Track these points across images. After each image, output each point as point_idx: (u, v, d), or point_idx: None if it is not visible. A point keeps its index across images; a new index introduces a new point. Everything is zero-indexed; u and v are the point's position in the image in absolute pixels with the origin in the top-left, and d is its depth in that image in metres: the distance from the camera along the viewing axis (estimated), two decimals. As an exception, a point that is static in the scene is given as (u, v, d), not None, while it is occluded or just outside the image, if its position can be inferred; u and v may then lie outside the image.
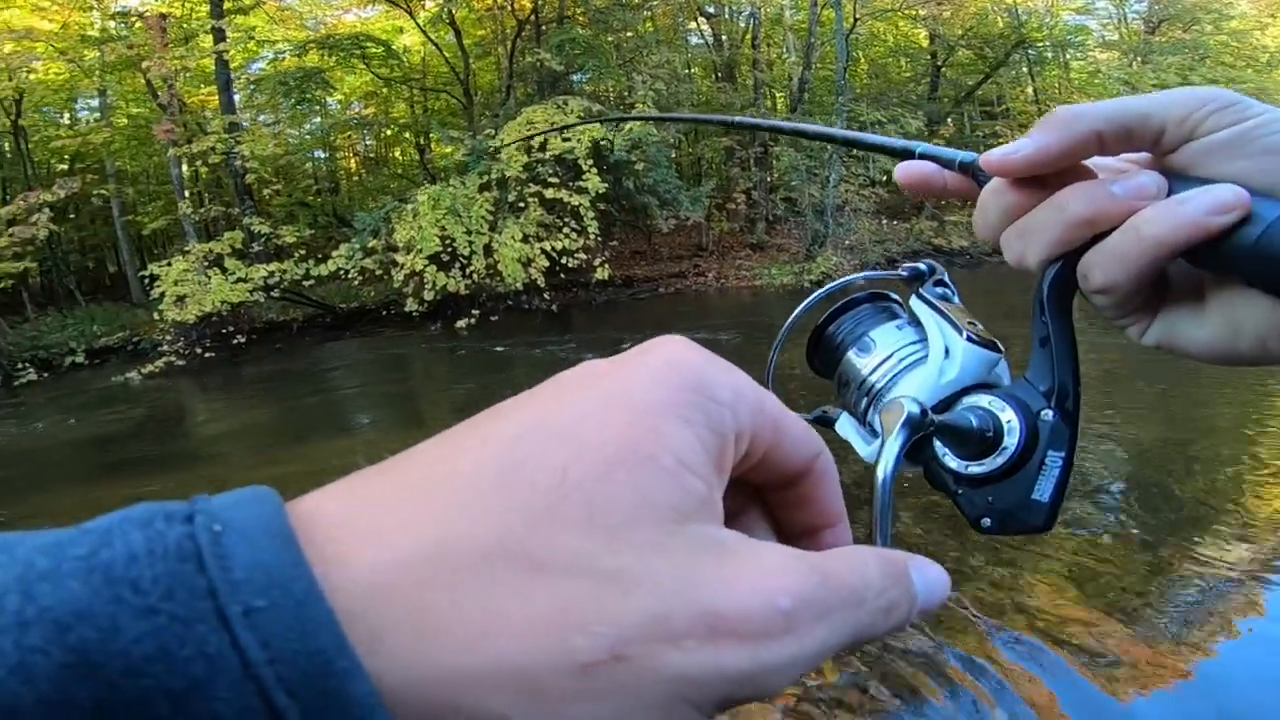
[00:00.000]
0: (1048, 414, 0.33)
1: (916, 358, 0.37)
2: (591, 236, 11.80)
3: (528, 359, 9.01)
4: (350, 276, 11.52)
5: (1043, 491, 0.33)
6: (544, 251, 11.46)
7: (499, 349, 9.81)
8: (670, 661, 0.17)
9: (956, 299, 0.40)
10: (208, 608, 0.15)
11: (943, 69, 18.01)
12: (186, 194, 13.13)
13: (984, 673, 2.28)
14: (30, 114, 14.22)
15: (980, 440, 0.33)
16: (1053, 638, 2.41)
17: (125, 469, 6.14)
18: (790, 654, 0.19)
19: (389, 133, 17.45)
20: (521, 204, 11.67)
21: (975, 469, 0.34)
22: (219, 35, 12.18)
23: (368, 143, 18.66)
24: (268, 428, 7.21)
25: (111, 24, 13.17)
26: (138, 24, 12.49)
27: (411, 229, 10.97)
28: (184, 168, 13.17)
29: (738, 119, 0.62)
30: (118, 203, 15.03)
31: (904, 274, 0.42)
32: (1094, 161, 0.34)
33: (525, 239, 11.46)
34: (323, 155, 17.37)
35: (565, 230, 11.79)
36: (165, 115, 11.94)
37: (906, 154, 0.40)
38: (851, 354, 0.39)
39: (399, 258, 10.99)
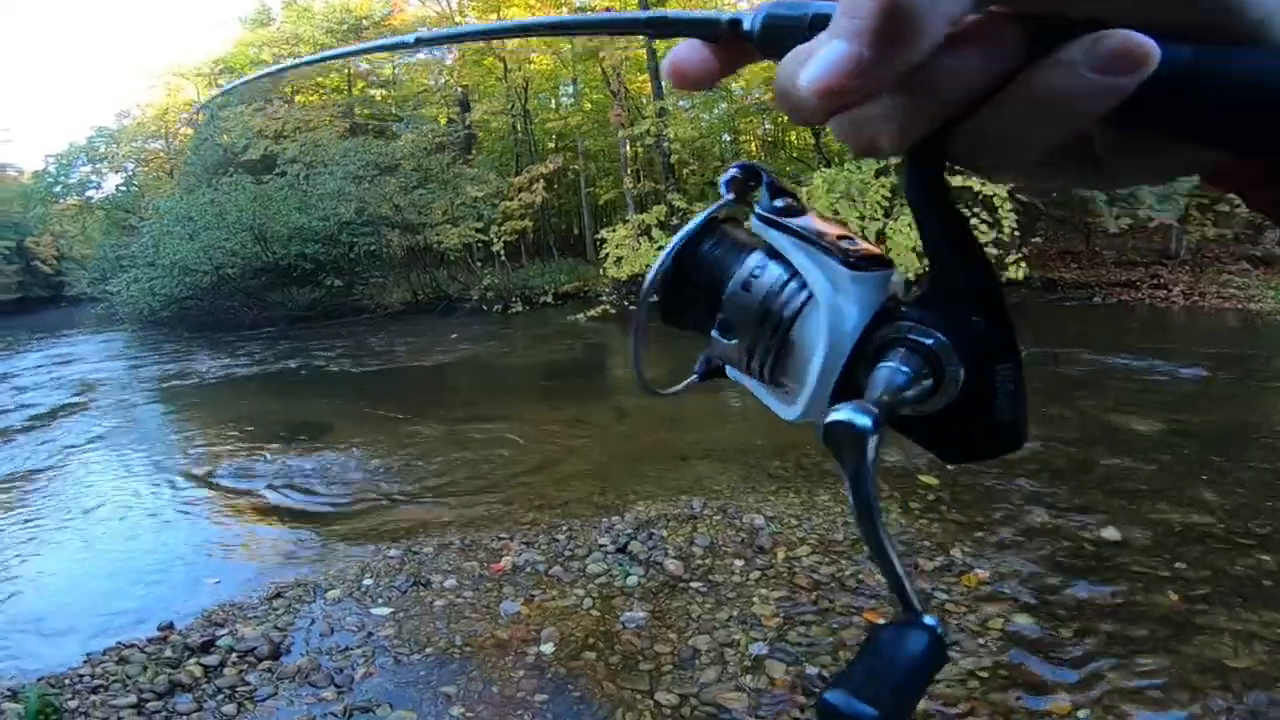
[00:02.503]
0: (978, 323, 0.29)
1: (801, 302, 0.32)
2: (1007, 230, 10.35)
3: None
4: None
5: (1003, 410, 0.30)
6: (943, 243, 10.44)
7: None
8: None
9: (811, 209, 0.33)
10: None
11: None
12: (629, 170, 15.29)
13: None
14: (531, 100, 18.05)
15: (920, 386, 0.29)
16: None
17: (559, 393, 7.90)
18: None
19: (785, 117, 17.61)
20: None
21: (925, 409, 0.30)
22: (651, 22, 13.87)
23: (766, 126, 19.16)
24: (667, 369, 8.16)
25: (579, 15, 15.94)
26: (597, 14, 14.95)
27: (804, 211, 11.03)
28: (628, 147, 15.30)
29: (418, 36, 0.41)
30: (583, 176, 18.26)
31: (724, 191, 0.34)
32: None
33: (923, 227, 10.59)
34: (728, 138, 18.41)
35: (973, 221, 10.47)
36: (615, 101, 13.93)
37: (646, 27, 0.32)
38: (717, 332, 0.35)
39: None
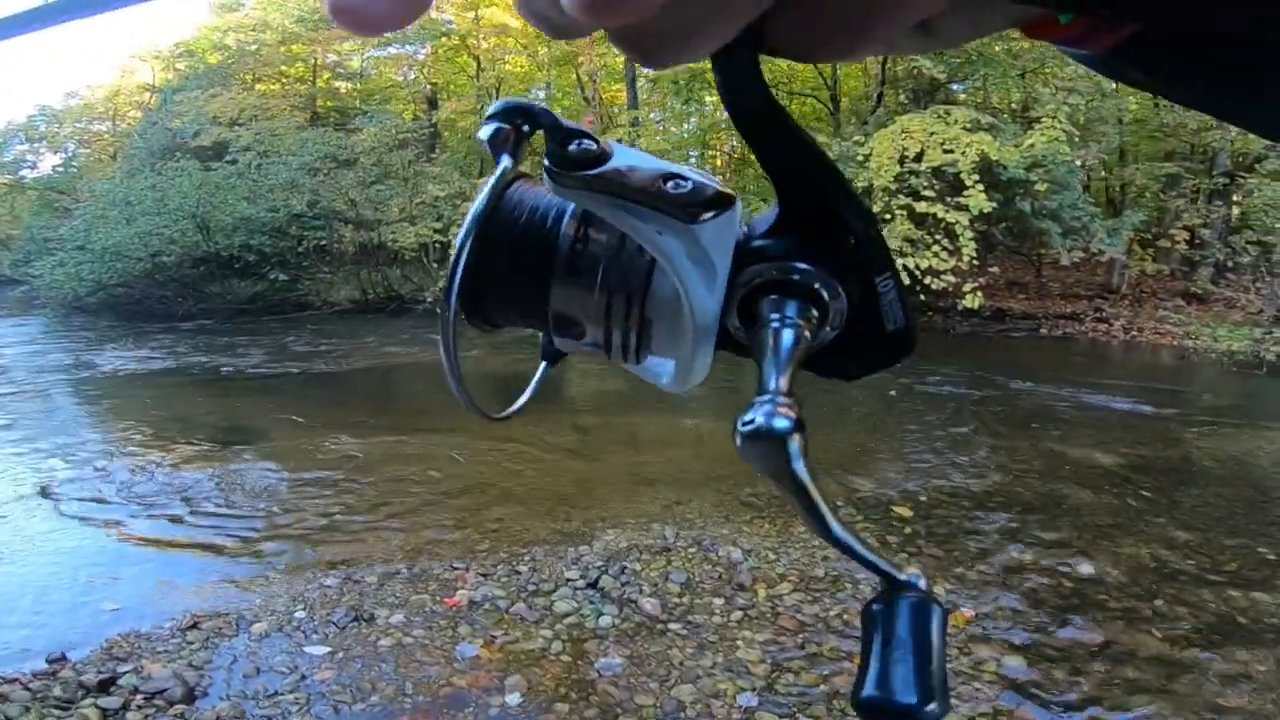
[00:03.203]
0: (846, 239, 0.27)
1: (644, 272, 0.28)
2: (966, 259, 10.47)
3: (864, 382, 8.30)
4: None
5: (892, 318, 0.29)
6: (905, 268, 10.49)
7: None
8: None
9: (616, 146, 0.28)
10: None
11: None
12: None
13: None
14: (508, 92, 17.77)
15: (810, 327, 0.27)
16: None
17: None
18: None
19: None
20: (888, 215, 10.83)
21: (824, 337, 0.28)
22: (629, 31, 13.84)
23: (733, 144, 19.24)
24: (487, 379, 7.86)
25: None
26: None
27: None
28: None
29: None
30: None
31: (496, 155, 0.28)
32: None
33: (888, 252, 10.62)
34: (694, 154, 18.42)
35: (935, 248, 10.64)
36: (590, 108, 13.73)
37: None
38: (556, 335, 0.30)
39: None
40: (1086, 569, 3.55)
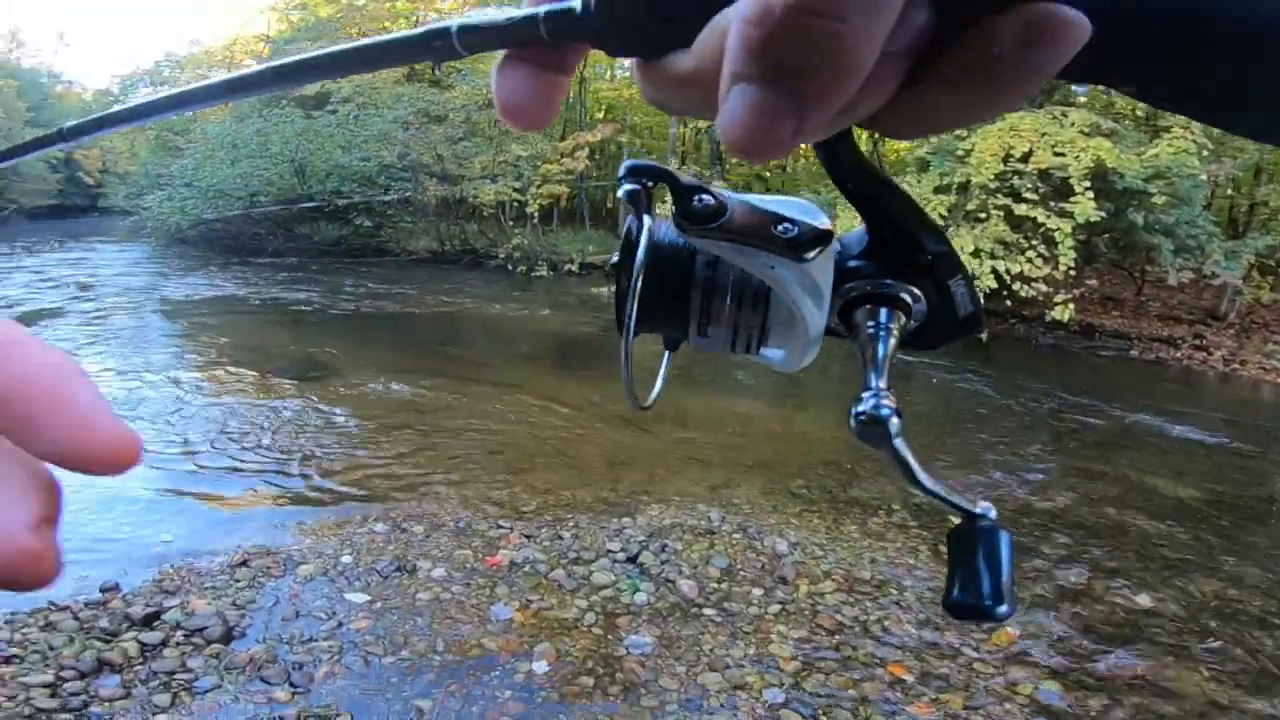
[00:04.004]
0: (924, 257, 0.33)
1: (765, 294, 0.34)
2: (1063, 268, 9.88)
3: (932, 384, 8.01)
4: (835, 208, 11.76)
5: (963, 307, 0.34)
6: (994, 271, 9.97)
7: (904, 361, 8.95)
8: None
9: (729, 195, 0.33)
10: None
11: None
12: (676, 151, 14.86)
13: None
14: (589, 68, 17.69)
15: (900, 326, 0.34)
16: None
17: (573, 370, 7.72)
18: None
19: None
20: (982, 214, 10.29)
21: (909, 328, 0.34)
22: None
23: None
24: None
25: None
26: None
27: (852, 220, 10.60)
28: (678, 128, 14.86)
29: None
30: (627, 150, 17.87)
31: (634, 212, 0.34)
32: None
33: (976, 253, 10.10)
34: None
35: (1029, 253, 10.07)
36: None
37: (435, 42, 0.26)
38: (696, 336, 0.37)
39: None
40: (1144, 600, 3.39)
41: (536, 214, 15.28)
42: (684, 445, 5.10)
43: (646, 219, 0.33)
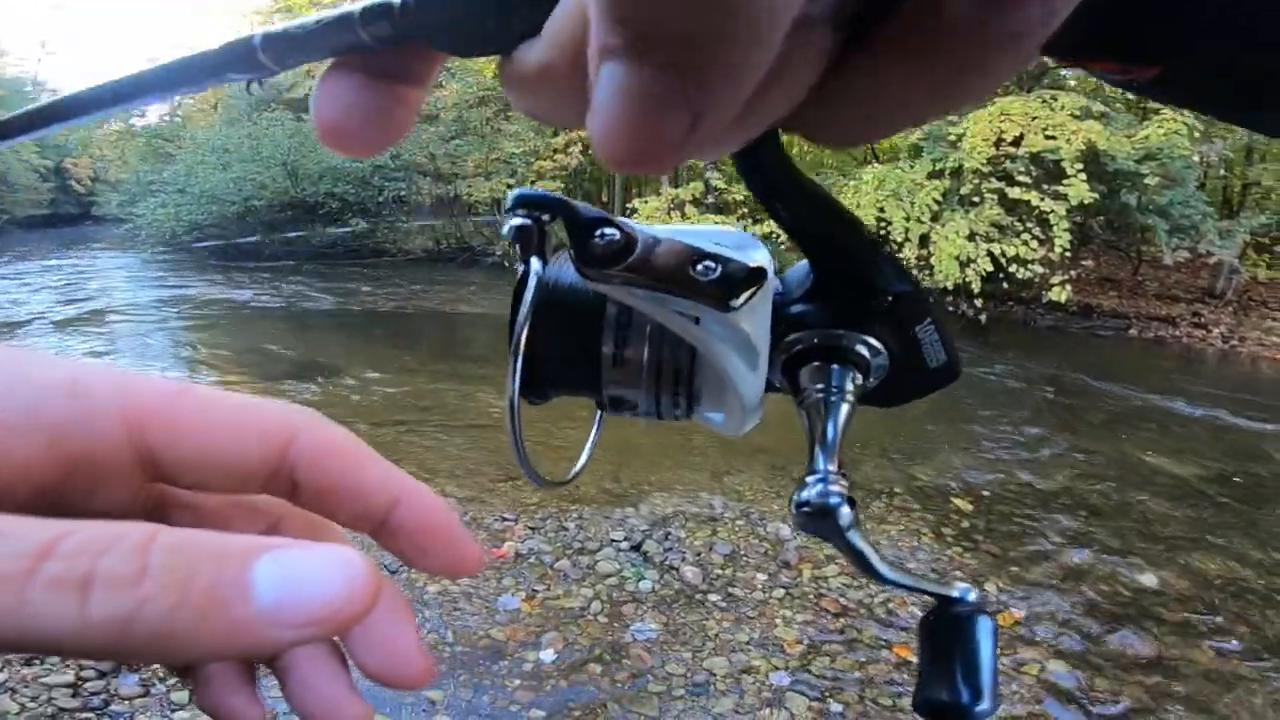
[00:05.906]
0: (883, 300, 0.27)
1: (688, 353, 0.28)
2: (1058, 250, 9.90)
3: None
4: (778, 241, 11.74)
5: (934, 358, 0.29)
6: (989, 254, 10.00)
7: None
8: None
9: (640, 229, 0.27)
10: None
11: None
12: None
13: None
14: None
15: (855, 388, 0.28)
16: None
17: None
18: None
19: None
20: (976, 198, 10.32)
21: (867, 387, 0.29)
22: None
23: None
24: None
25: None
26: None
27: (849, 204, 10.62)
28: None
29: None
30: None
31: (522, 254, 0.28)
32: None
33: (971, 236, 10.14)
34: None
35: (1024, 236, 10.10)
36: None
37: (237, 56, 0.21)
38: (610, 408, 0.31)
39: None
40: (1148, 579, 3.41)
41: (531, 210, 15.35)
42: (684, 434, 5.12)
43: (534, 262, 0.27)
